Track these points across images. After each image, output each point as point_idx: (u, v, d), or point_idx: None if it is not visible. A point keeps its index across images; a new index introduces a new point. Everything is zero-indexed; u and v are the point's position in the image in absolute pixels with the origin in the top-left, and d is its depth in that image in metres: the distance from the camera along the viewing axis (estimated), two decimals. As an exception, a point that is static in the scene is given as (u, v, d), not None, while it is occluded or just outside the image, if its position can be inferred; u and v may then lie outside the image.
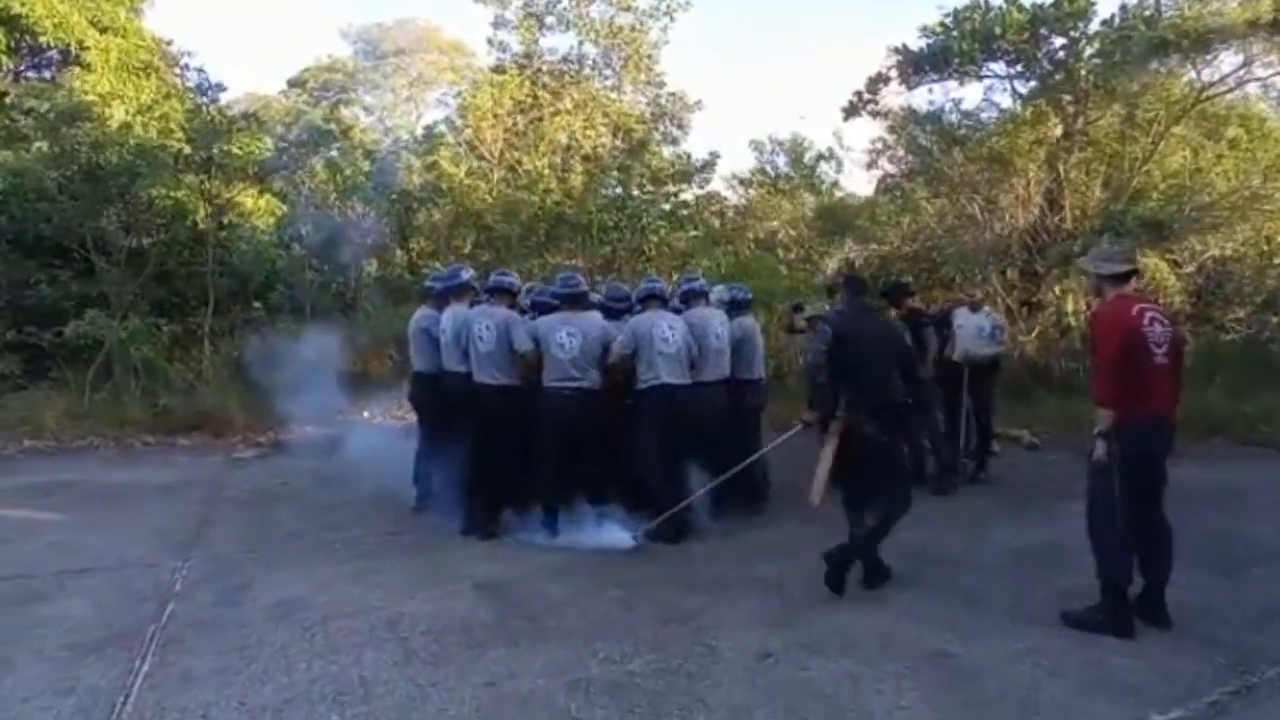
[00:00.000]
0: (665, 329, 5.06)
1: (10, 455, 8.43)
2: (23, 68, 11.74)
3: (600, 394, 5.09)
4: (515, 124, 11.93)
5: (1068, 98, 9.97)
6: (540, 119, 12.06)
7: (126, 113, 9.75)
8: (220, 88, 10.84)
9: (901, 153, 11.04)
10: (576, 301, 5.09)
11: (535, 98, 12.05)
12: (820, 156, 13.70)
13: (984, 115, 10.74)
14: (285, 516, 5.84)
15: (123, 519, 5.71)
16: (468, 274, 5.41)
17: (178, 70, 11.12)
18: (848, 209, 11.72)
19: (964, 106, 10.92)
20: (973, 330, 6.56)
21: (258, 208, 11.02)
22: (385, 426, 9.88)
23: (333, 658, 3.34)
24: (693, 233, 11.03)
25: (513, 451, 5.08)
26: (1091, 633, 3.50)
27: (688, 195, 12.97)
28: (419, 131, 13.44)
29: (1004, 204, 9.86)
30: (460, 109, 12.30)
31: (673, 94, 13.31)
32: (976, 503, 6.03)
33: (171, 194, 10.03)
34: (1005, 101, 10.79)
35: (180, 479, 7.25)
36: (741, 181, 13.81)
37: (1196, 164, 10.32)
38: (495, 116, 11.42)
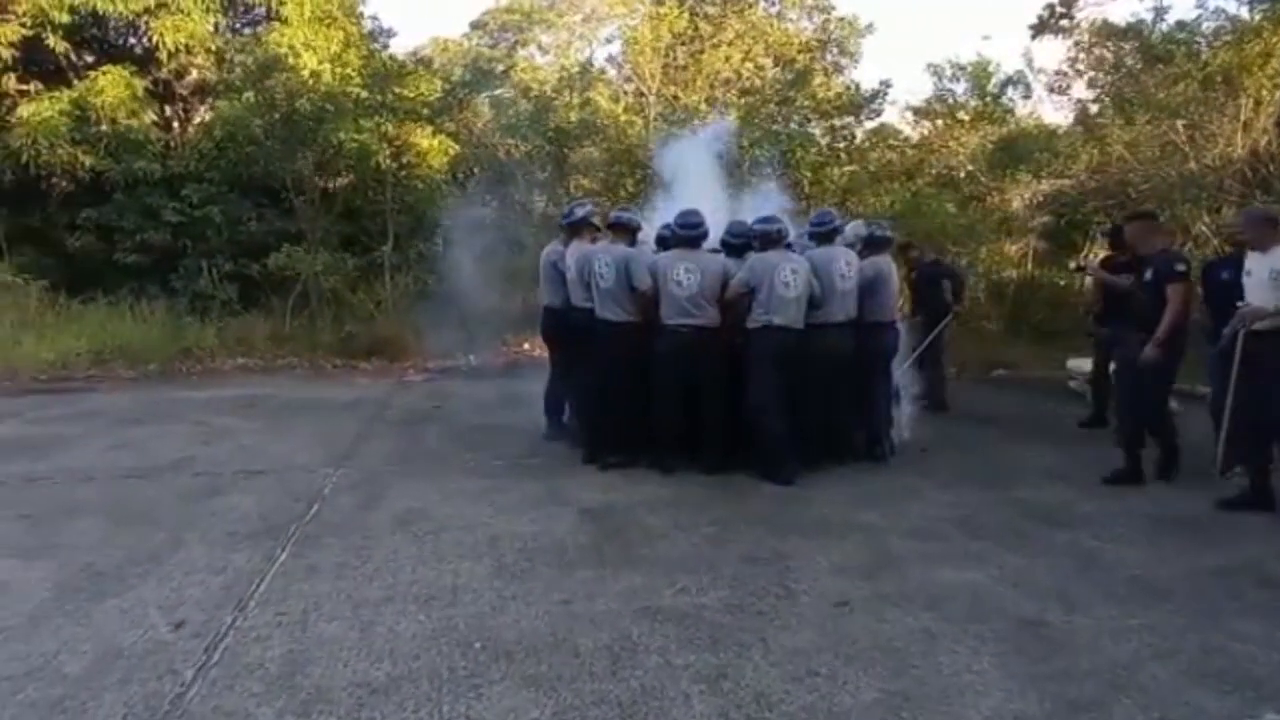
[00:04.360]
0: (788, 272, 4.92)
1: (227, 371, 9.76)
2: (239, 25, 13.07)
3: (718, 332, 5.07)
4: (674, 58, 11.78)
5: (1317, -1, 8.36)
6: (700, 52, 11.82)
7: (319, 62, 10.62)
8: (390, 33, 11.52)
9: (1097, 74, 9.78)
10: (694, 242, 5.05)
11: (696, 29, 11.81)
12: (1009, 81, 12.43)
13: (1204, 26, 9.23)
14: (432, 436, 6.37)
15: (299, 430, 6.47)
16: (583, 210, 5.52)
17: (354, 19, 11.90)
18: (1031, 138, 10.61)
19: (1169, 19, 9.44)
20: (1265, 278, 4.32)
21: (432, 148, 11.69)
22: (543, 357, 10.44)
23: (435, 564, 3.66)
24: (848, 168, 10.47)
25: (634, 386, 5.20)
26: None
27: (858, 130, 12.36)
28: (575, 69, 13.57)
29: (1217, 129, 8.51)
30: (623, 44, 12.31)
31: (841, 18, 12.57)
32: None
33: (356, 137, 10.88)
34: (1230, 8, 9.23)
35: (355, 398, 8.08)
36: (916, 112, 12.86)
37: None
38: (654, 51, 11.32)
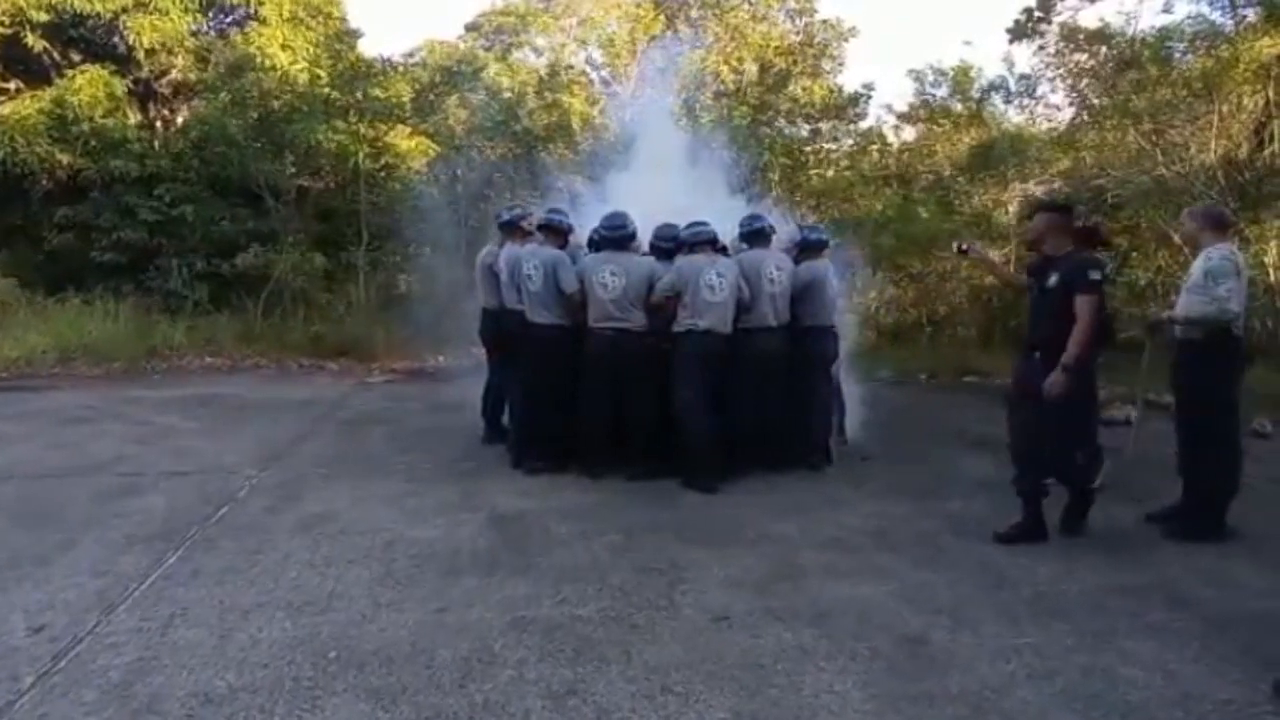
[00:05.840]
0: (713, 276, 4.84)
1: (192, 370, 9.73)
2: (224, 24, 13.10)
3: (644, 335, 4.99)
4: (653, 61, 11.70)
5: (1296, 5, 8.19)
6: (679, 55, 11.74)
7: (292, 62, 10.62)
8: (358, 34, 11.51)
9: (1072, 79, 9.63)
10: (620, 244, 4.98)
11: (675, 31, 11.74)
12: (991, 86, 12.27)
13: (1186, 29, 9.05)
14: (373, 438, 6.30)
15: (241, 431, 6.41)
16: (508, 214, 5.45)
17: (326, 20, 11.89)
18: (1006, 143, 10.46)
19: (1141, 25, 9.29)
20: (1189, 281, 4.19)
21: (410, 149, 11.66)
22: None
23: (321, 570, 3.58)
24: (815, 171, 10.36)
25: (563, 390, 5.12)
26: None
27: (847, 134, 12.26)
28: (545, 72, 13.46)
29: (1190, 135, 8.35)
30: (600, 45, 12.24)
31: (825, 21, 12.46)
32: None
33: (334, 137, 10.86)
34: (1205, 11, 9.06)
35: (310, 398, 8.02)
36: (899, 116, 12.73)
37: None
38: (630, 53, 11.25)
